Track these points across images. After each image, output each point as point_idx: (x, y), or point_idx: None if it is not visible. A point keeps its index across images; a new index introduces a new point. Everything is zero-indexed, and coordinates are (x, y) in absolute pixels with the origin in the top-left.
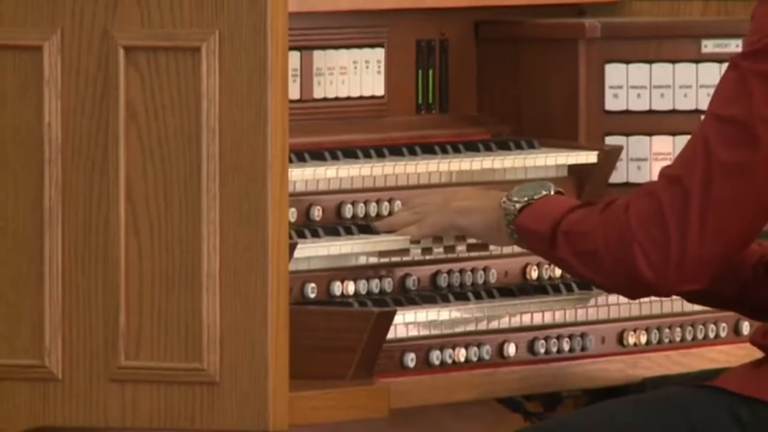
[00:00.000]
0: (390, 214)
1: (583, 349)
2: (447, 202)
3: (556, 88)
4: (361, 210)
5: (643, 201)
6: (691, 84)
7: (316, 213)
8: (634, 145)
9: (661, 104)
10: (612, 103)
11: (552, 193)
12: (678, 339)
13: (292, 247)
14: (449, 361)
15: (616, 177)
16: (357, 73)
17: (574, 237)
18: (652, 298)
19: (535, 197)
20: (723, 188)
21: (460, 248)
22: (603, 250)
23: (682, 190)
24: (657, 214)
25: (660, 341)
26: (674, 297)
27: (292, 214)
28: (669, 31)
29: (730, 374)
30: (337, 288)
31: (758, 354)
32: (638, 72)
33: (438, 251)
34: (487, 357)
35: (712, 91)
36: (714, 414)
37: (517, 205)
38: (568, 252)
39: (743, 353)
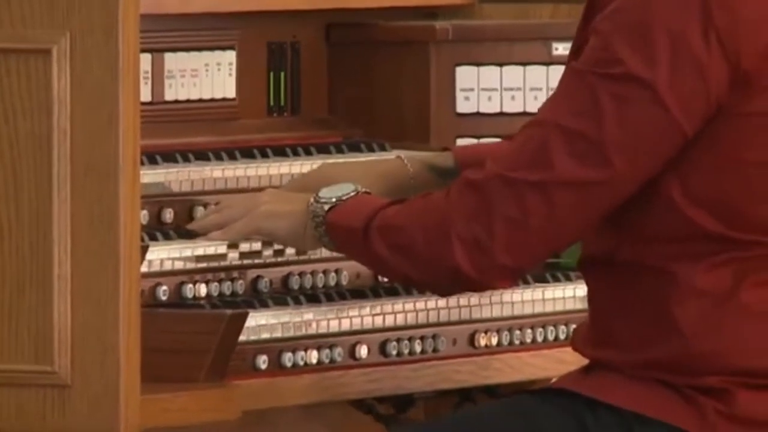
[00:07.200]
0: None
1: (434, 350)
2: (255, 205)
3: (407, 91)
4: None
5: (469, 194)
6: (541, 86)
7: (168, 215)
8: None
9: (512, 106)
10: (463, 106)
11: (361, 192)
12: (529, 341)
13: (144, 250)
14: (301, 362)
15: None
16: (208, 76)
17: (389, 230)
18: (504, 299)
19: (344, 197)
20: (561, 200)
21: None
22: (420, 241)
23: (515, 194)
24: (484, 213)
25: (511, 342)
26: (526, 300)
27: (144, 217)
28: (519, 34)
29: (570, 377)
30: (188, 290)
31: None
32: (489, 74)
33: (290, 253)
34: (338, 359)
35: None
36: (561, 422)
37: (326, 206)
38: (382, 246)
39: None
